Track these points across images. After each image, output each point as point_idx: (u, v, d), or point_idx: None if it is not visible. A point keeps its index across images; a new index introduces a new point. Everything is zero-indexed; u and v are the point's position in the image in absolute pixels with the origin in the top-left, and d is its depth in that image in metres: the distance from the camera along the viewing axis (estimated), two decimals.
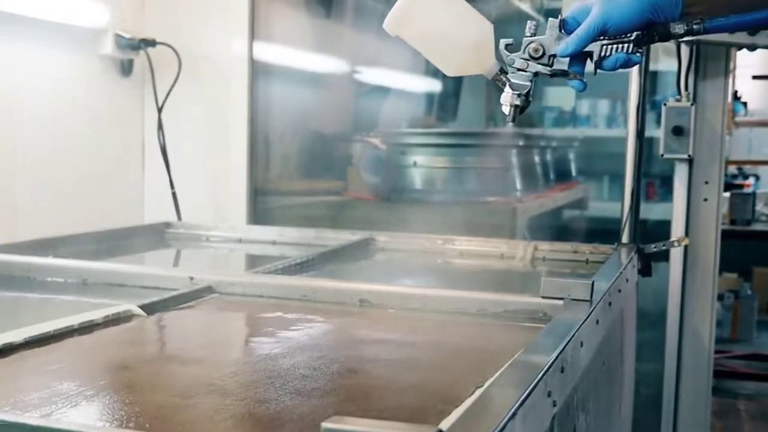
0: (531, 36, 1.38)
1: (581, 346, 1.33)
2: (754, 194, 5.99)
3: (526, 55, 1.38)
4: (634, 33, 1.33)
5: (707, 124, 2.63)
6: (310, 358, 1.26)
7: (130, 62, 2.92)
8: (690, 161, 2.63)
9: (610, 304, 1.63)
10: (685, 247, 2.62)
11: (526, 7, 3.29)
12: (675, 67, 2.62)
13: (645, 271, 2.37)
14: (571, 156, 3.66)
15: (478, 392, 1.04)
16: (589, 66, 1.37)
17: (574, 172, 3.63)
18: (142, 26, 2.91)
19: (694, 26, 1.31)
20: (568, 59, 1.36)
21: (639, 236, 2.56)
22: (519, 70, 1.39)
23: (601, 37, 1.34)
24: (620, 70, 1.39)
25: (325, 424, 0.81)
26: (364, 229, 2.53)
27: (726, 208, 5.41)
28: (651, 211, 3.08)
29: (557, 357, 1.14)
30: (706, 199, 2.65)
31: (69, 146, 2.70)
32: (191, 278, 1.72)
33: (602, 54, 1.35)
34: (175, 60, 2.88)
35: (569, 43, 1.34)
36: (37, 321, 1.33)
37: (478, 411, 0.93)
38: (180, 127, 2.97)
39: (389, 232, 2.52)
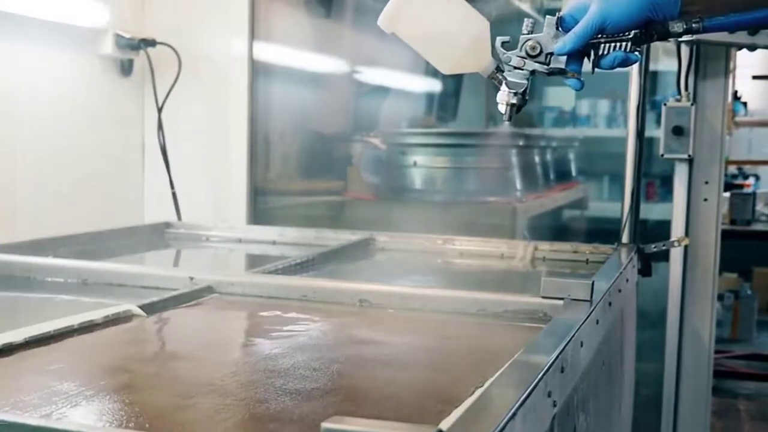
0: (528, 34, 1.36)
1: (581, 346, 1.33)
2: (754, 194, 5.99)
3: (523, 53, 1.36)
4: (633, 31, 1.31)
5: (707, 124, 2.63)
6: (310, 358, 1.26)
7: (130, 62, 2.92)
8: (690, 161, 2.63)
9: (610, 304, 1.63)
10: (685, 247, 2.62)
11: (526, 7, 3.30)
12: (675, 67, 2.62)
13: (645, 271, 2.37)
14: (571, 156, 3.66)
15: (478, 392, 1.04)
16: (587, 65, 1.36)
17: (574, 172, 3.63)
18: (142, 26, 2.91)
19: (693, 25, 1.29)
20: (565, 57, 1.35)
21: (639, 236, 2.56)
22: (516, 68, 1.37)
23: (599, 36, 1.32)
24: (619, 70, 1.39)
25: (325, 424, 0.81)
26: (364, 229, 2.53)
27: (726, 208, 5.41)
28: (651, 211, 3.08)
29: (557, 357, 1.14)
30: (706, 199, 2.65)
31: (69, 146, 2.70)
32: (191, 278, 1.72)
33: (600, 52, 1.33)
34: (175, 60, 2.88)
35: (567, 41, 1.33)
36: (37, 321, 1.33)
37: (478, 411, 0.93)
38: (180, 127, 2.97)
39: (389, 232, 2.52)
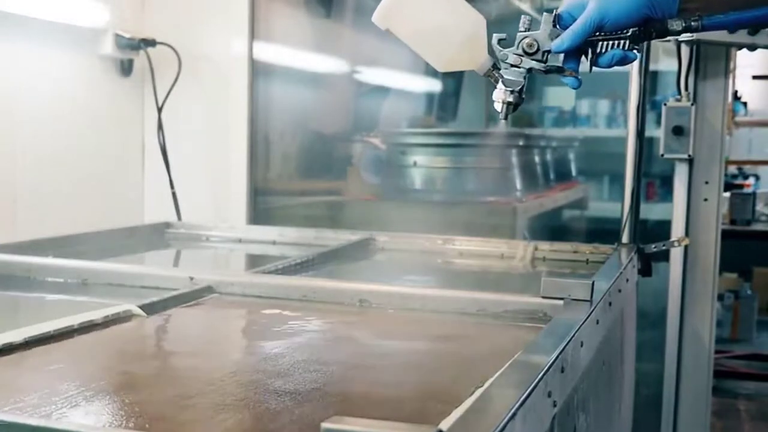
0: (525, 31, 1.34)
1: (581, 346, 1.33)
2: (754, 194, 5.99)
3: (520, 51, 1.35)
4: (631, 29, 1.30)
5: (707, 124, 2.63)
6: (310, 358, 1.26)
7: (130, 62, 2.92)
8: (690, 161, 2.63)
9: (610, 304, 1.63)
10: (685, 247, 2.62)
11: (526, 7, 3.30)
12: (675, 67, 2.62)
13: (645, 271, 2.37)
14: (571, 156, 3.66)
15: (478, 392, 1.04)
16: (585, 63, 1.35)
17: (574, 172, 3.63)
18: (142, 26, 2.91)
19: (692, 23, 1.28)
20: (562, 55, 1.33)
21: (639, 236, 2.56)
22: (512, 65, 1.35)
23: (597, 33, 1.31)
24: (619, 69, 1.38)
25: (325, 424, 0.81)
26: (364, 229, 2.53)
27: (726, 208, 5.41)
28: (651, 211, 3.08)
29: (557, 357, 1.14)
30: (706, 199, 2.65)
31: (69, 146, 2.70)
32: (191, 278, 1.72)
33: (598, 50, 1.32)
34: (175, 60, 2.88)
35: (564, 38, 1.31)
36: (37, 321, 1.33)
37: (478, 411, 0.93)
38: (180, 127, 2.97)
39: (389, 232, 2.52)
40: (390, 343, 1.42)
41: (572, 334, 1.26)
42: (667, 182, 2.81)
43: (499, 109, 1.38)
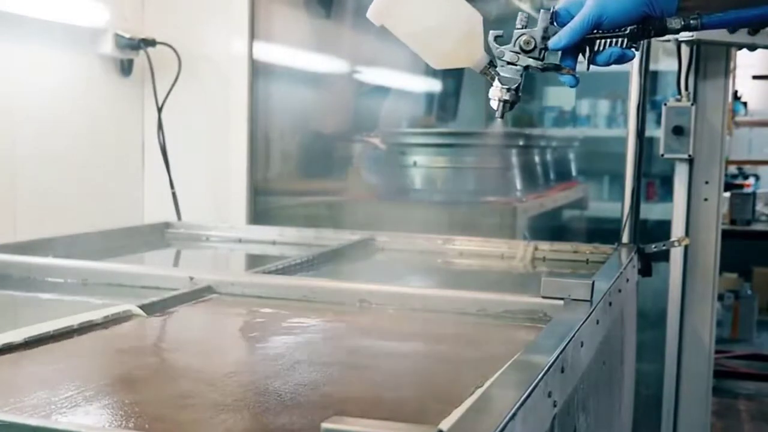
0: (522, 28, 1.33)
1: (581, 346, 1.33)
2: (754, 194, 5.99)
3: (517, 48, 1.33)
4: (629, 27, 1.29)
5: (707, 124, 2.63)
6: (310, 358, 1.26)
7: (130, 62, 2.92)
8: (690, 161, 2.63)
9: (610, 304, 1.63)
10: (685, 247, 2.62)
11: (526, 7, 3.29)
12: (675, 67, 2.62)
13: (645, 271, 2.37)
14: (571, 156, 3.66)
15: (478, 392, 1.04)
16: (583, 62, 1.33)
17: (574, 172, 3.62)
18: (142, 26, 2.91)
19: (691, 21, 1.27)
20: (559, 53, 1.32)
21: (639, 236, 2.56)
22: (509, 63, 1.33)
23: (595, 31, 1.29)
24: (619, 69, 1.37)
25: (325, 425, 0.81)
26: (364, 229, 2.53)
27: (726, 208, 5.41)
28: (651, 211, 3.07)
29: (557, 357, 1.14)
30: (706, 199, 2.65)
31: (69, 146, 2.70)
32: (191, 278, 1.72)
33: (596, 48, 1.30)
34: (175, 60, 2.88)
35: (562, 36, 1.30)
36: (37, 321, 1.33)
37: (478, 411, 0.93)
38: (180, 127, 2.97)
39: (389, 232, 2.52)
40: (390, 343, 1.42)
41: (572, 334, 1.26)
42: (667, 182, 2.81)
43: (495, 107, 1.36)
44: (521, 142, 3.29)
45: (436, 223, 2.73)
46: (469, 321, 1.55)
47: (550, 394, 1.09)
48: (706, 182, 2.65)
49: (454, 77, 3.58)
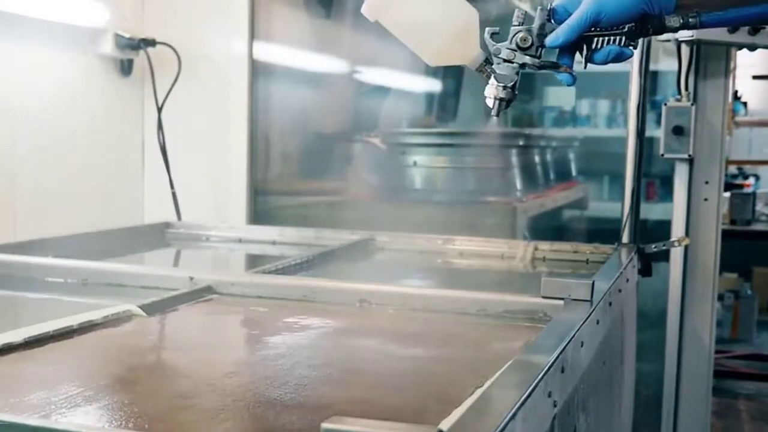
0: (519, 25, 1.31)
1: (581, 346, 1.33)
2: (754, 194, 5.99)
3: (513, 46, 1.31)
4: (627, 25, 1.28)
5: (707, 124, 2.63)
6: (310, 358, 1.26)
7: (130, 62, 2.92)
8: (690, 161, 2.63)
9: (610, 304, 1.63)
10: (685, 247, 2.62)
11: (526, 6, 3.29)
12: (675, 67, 2.62)
13: (645, 271, 2.37)
14: (571, 156, 3.66)
15: (478, 392, 1.04)
16: (580, 62, 1.32)
17: (574, 172, 3.63)
18: (142, 26, 2.91)
19: (690, 20, 1.26)
20: (557, 51, 1.30)
21: (639, 236, 2.56)
22: (505, 60, 1.32)
23: (593, 29, 1.28)
24: (619, 69, 1.37)
25: (325, 425, 0.81)
26: (364, 229, 2.53)
27: (726, 208, 5.41)
28: (651, 211, 3.07)
29: (558, 357, 1.14)
30: (706, 199, 2.65)
31: (69, 146, 2.70)
32: (191, 278, 1.72)
33: (594, 46, 1.29)
34: (175, 60, 2.88)
35: (559, 33, 1.28)
36: (37, 321, 1.33)
37: (478, 411, 0.93)
38: (180, 127, 2.97)
39: (389, 232, 2.52)
40: (390, 343, 1.42)
41: (572, 334, 1.26)
42: (667, 182, 2.81)
43: (491, 105, 1.35)
44: (521, 142, 3.29)
45: (436, 223, 2.73)
46: (469, 321, 1.55)
47: (550, 394, 1.09)
48: (706, 182, 2.65)
49: (454, 77, 3.58)
